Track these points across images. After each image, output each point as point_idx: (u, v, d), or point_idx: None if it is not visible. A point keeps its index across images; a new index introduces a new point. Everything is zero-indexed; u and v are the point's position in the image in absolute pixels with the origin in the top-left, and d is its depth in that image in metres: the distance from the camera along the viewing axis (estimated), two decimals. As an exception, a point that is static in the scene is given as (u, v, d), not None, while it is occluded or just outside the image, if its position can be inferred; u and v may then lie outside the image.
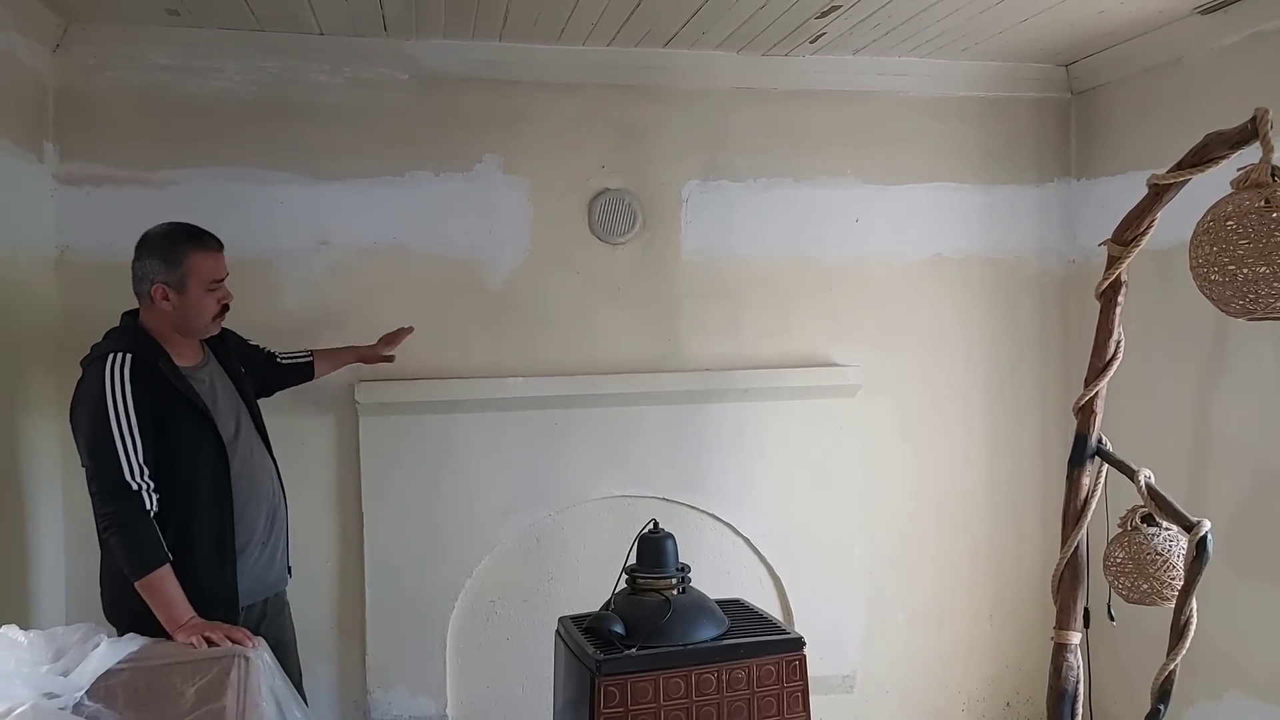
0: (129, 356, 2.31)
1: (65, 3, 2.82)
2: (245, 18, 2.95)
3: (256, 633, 2.31)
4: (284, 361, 2.93)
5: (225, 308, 2.50)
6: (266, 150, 3.14)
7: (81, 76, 3.02)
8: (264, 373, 2.84)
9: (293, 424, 3.14)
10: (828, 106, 3.53)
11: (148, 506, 2.26)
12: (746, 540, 3.47)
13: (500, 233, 3.32)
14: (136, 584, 2.23)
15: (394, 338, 3.07)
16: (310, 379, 2.98)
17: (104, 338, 2.44)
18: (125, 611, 2.31)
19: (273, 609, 2.61)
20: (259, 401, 2.71)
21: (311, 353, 2.98)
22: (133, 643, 2.06)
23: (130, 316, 2.48)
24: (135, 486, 2.24)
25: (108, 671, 1.96)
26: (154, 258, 2.41)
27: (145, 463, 2.27)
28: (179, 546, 2.30)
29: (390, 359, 3.09)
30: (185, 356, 2.48)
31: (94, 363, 2.32)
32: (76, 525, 3.00)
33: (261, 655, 2.13)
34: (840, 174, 3.55)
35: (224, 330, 2.66)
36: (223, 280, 2.49)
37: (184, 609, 2.23)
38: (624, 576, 2.45)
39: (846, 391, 3.52)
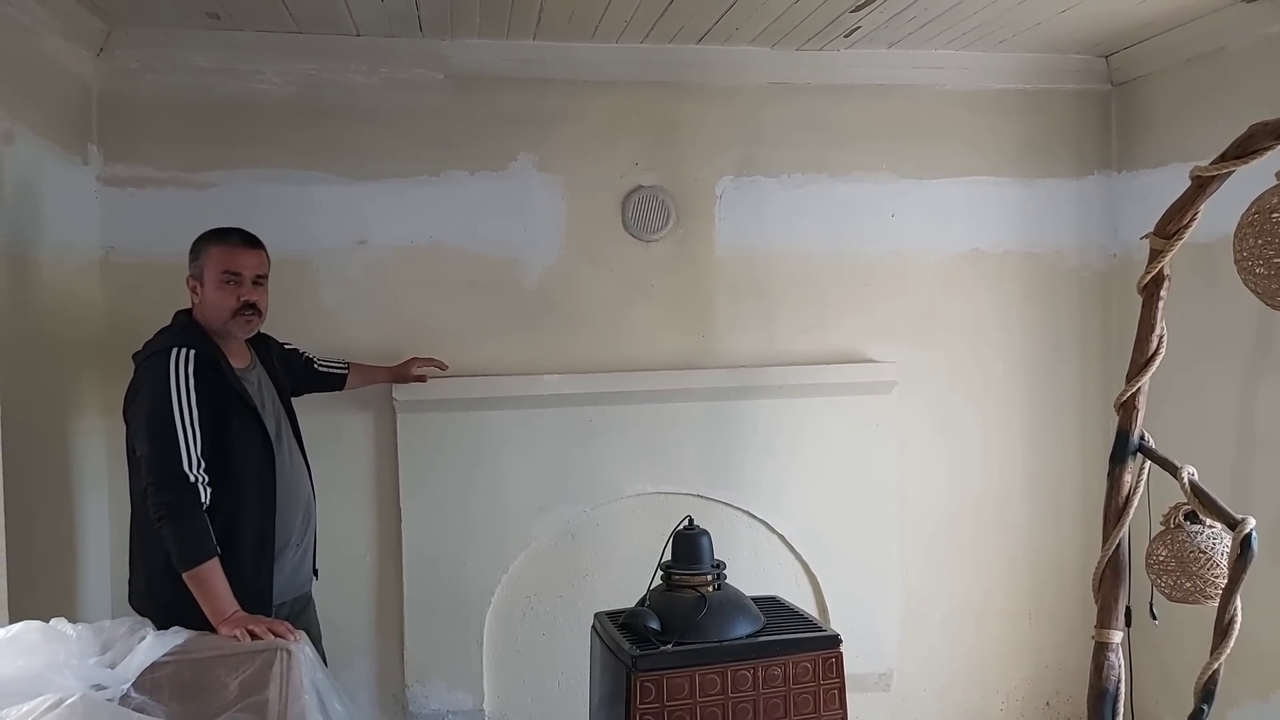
0: (193, 353, 2.36)
1: (108, 7, 2.87)
2: (283, 20, 2.98)
3: None
4: (320, 369, 2.98)
5: (248, 306, 2.48)
6: (304, 151, 3.19)
7: (124, 80, 3.08)
8: (298, 376, 2.89)
9: (331, 421, 3.18)
10: (863, 101, 3.50)
11: (202, 499, 2.30)
12: (782, 537, 3.46)
13: (535, 231, 3.33)
14: (185, 575, 2.26)
15: (426, 362, 3.12)
16: (340, 390, 3.02)
17: (159, 334, 2.48)
18: (158, 602, 2.35)
19: (298, 607, 2.64)
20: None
21: (348, 365, 3.03)
22: (177, 636, 2.10)
23: (184, 315, 2.53)
24: (192, 479, 2.28)
25: (153, 664, 2.00)
26: (189, 254, 2.51)
27: (203, 457, 2.31)
28: (224, 542, 2.33)
29: (422, 379, 3.13)
30: (236, 357, 2.53)
31: (156, 356, 2.36)
32: (123, 521, 3.06)
33: (303, 648, 2.15)
34: (876, 169, 3.53)
35: (265, 335, 2.71)
36: (240, 275, 2.47)
37: (229, 602, 2.26)
38: (659, 573, 2.45)
39: (883, 388, 3.50)
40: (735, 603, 2.40)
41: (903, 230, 3.55)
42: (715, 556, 2.47)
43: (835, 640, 2.35)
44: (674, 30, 3.16)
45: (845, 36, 3.25)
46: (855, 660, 3.11)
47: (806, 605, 3.34)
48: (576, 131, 3.34)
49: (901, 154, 3.53)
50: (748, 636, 2.31)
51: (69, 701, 1.71)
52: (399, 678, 3.29)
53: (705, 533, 2.46)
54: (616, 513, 3.38)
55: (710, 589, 2.39)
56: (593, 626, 2.54)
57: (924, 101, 3.54)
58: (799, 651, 2.30)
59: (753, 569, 3.37)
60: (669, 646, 2.23)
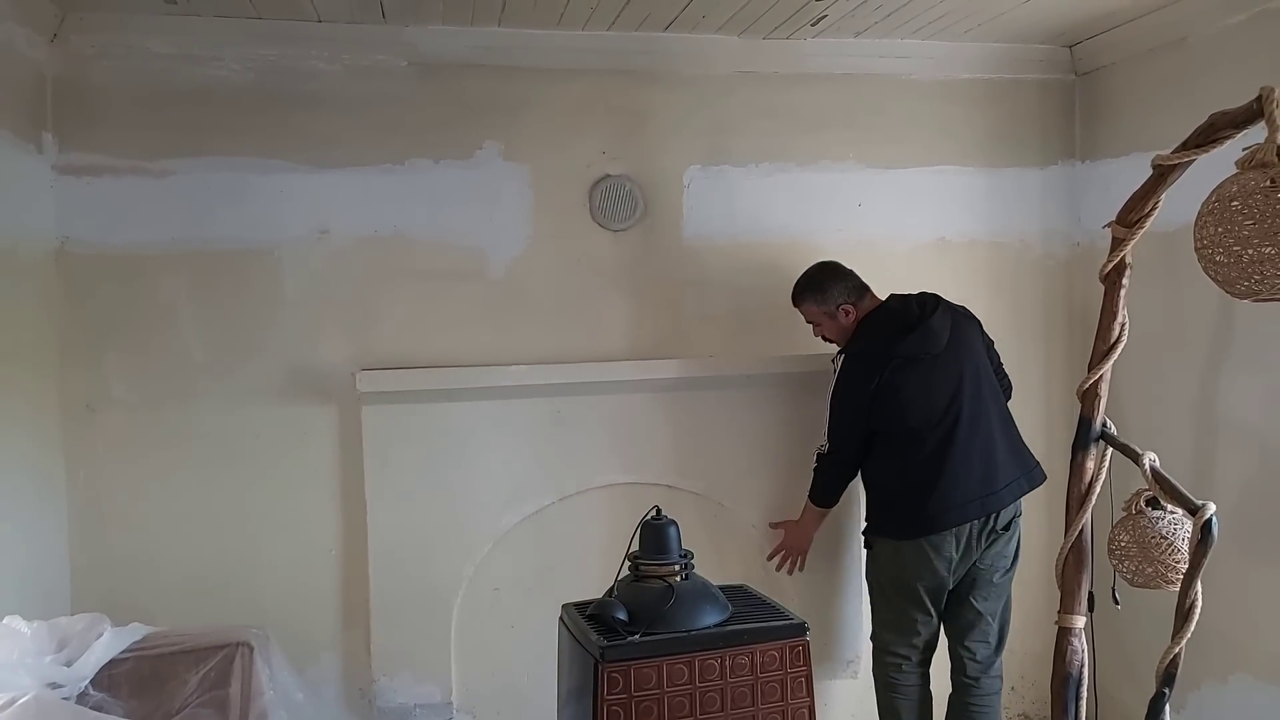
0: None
1: (61, -9, 2.81)
2: (243, 5, 2.93)
3: (962, 561, 2.96)
4: None
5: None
6: (265, 139, 3.13)
7: (80, 66, 3.01)
8: None
9: (295, 413, 3.15)
10: (830, 90, 3.50)
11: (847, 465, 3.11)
12: (750, 527, 3.47)
13: (501, 220, 3.30)
14: (810, 500, 3.20)
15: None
16: None
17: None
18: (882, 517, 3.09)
19: (986, 539, 2.97)
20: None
21: None
22: (135, 632, 2.07)
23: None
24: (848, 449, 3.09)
25: (112, 660, 1.97)
26: (841, 284, 3.13)
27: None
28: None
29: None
30: None
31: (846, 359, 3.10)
32: (81, 517, 3.01)
33: (264, 643, 2.13)
34: (843, 158, 3.53)
35: None
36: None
37: (810, 535, 3.26)
38: (627, 563, 2.45)
39: (850, 377, 3.50)
40: (703, 592, 2.40)
41: (869, 220, 3.55)
42: (683, 546, 2.47)
43: (802, 628, 2.36)
44: (640, 18, 3.14)
45: (812, 25, 3.25)
46: (823, 648, 3.14)
47: (774, 594, 3.34)
48: (543, 120, 3.31)
49: (868, 143, 3.54)
50: (715, 626, 2.31)
51: (21, 701, 1.68)
52: (366, 672, 3.26)
53: (673, 523, 2.46)
54: (584, 503, 3.36)
55: (678, 579, 2.38)
56: (560, 618, 2.53)
57: (890, 91, 3.55)
58: (766, 640, 2.30)
59: (720, 559, 3.36)
60: (636, 637, 2.23)
